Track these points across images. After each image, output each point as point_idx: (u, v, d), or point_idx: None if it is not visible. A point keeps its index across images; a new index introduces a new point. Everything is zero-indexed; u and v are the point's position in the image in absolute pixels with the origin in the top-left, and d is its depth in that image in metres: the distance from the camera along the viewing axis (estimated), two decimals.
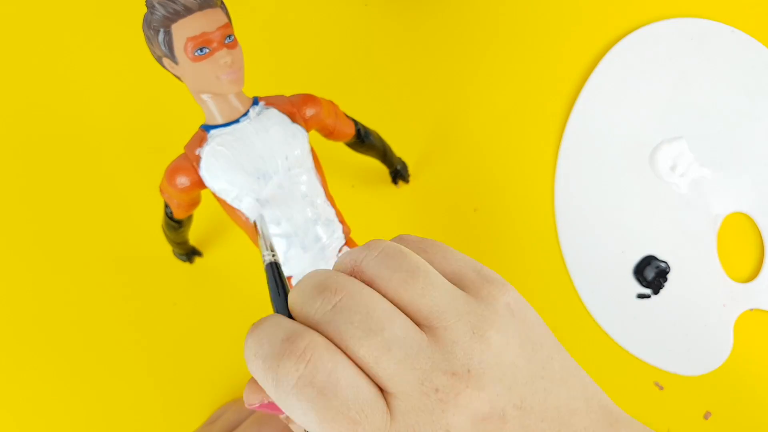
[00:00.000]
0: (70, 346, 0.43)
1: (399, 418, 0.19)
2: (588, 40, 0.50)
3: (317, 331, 0.20)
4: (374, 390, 0.20)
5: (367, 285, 0.21)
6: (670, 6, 0.51)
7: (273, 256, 0.25)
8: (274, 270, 0.24)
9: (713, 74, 0.49)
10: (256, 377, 0.20)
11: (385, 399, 0.20)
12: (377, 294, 0.21)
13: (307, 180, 0.33)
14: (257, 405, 0.22)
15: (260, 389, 0.22)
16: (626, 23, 0.51)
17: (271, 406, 0.22)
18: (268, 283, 0.24)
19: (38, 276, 0.44)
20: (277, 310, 0.23)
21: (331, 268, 0.33)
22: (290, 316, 0.22)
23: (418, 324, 0.20)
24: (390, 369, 0.19)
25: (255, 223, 0.28)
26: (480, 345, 0.20)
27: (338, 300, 0.20)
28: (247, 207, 0.31)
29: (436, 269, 0.22)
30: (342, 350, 0.20)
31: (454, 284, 0.22)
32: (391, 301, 0.21)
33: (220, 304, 0.43)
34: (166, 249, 0.42)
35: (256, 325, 0.21)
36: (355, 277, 0.21)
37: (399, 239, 0.24)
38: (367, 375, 0.20)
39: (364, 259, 0.22)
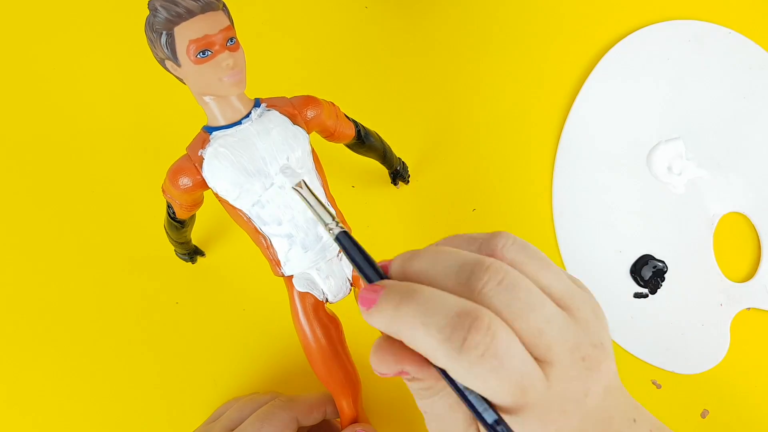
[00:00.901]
0: (72, 345, 0.43)
1: (554, 383, 0.22)
2: (586, 42, 0.51)
3: (482, 305, 0.22)
4: (535, 361, 0.22)
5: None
6: (667, 8, 0.51)
7: (338, 224, 0.25)
8: (348, 240, 0.25)
9: (710, 75, 0.50)
10: (424, 345, 0.21)
11: (541, 368, 0.22)
12: (525, 276, 0.23)
13: (308, 181, 0.33)
14: (391, 374, 0.23)
15: (399, 359, 0.23)
16: (624, 25, 0.51)
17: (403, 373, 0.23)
18: (350, 256, 0.24)
19: (40, 276, 0.44)
20: (370, 279, 0.24)
21: (330, 267, 0.34)
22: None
23: (556, 303, 0.23)
24: (550, 340, 0.22)
25: (299, 191, 0.26)
26: (602, 325, 0.24)
27: (502, 278, 0.22)
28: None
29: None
30: (508, 324, 0.22)
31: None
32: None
33: (222, 304, 0.44)
34: (168, 249, 0.43)
35: (405, 297, 0.22)
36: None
37: (501, 232, 0.26)
38: (527, 347, 0.22)
39: (504, 245, 0.24)
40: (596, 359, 0.23)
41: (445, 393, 0.24)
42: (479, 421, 0.22)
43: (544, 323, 0.22)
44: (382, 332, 0.23)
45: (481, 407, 0.22)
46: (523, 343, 0.22)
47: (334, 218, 0.26)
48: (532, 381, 0.22)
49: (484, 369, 0.21)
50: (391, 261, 0.25)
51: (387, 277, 0.24)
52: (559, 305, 0.23)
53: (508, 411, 0.22)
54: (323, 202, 0.26)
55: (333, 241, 0.33)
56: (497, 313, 0.22)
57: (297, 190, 0.27)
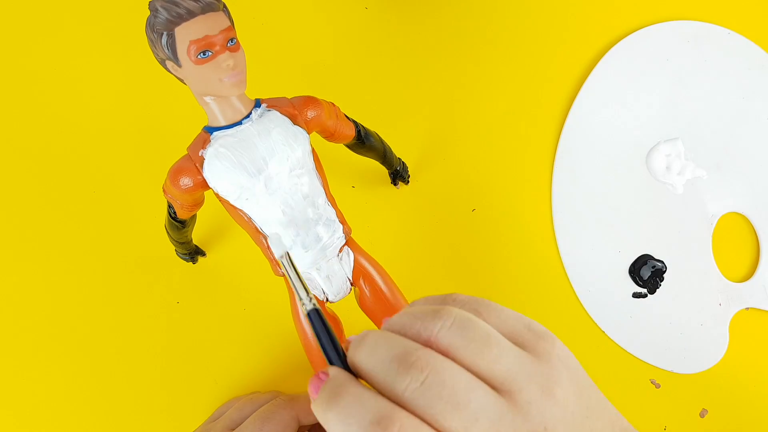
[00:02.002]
0: (73, 345, 0.43)
1: None
2: (585, 43, 0.51)
3: (403, 406, 0.21)
4: None
5: (443, 354, 0.22)
6: (667, 8, 0.51)
7: (311, 301, 0.26)
8: (317, 318, 0.25)
9: (709, 76, 0.50)
10: None
11: None
12: (457, 366, 0.22)
13: (308, 181, 0.33)
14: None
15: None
16: (623, 26, 0.51)
17: None
18: (315, 331, 0.25)
19: (41, 276, 0.44)
20: (331, 362, 0.24)
21: (331, 267, 0.34)
22: (346, 367, 0.23)
23: (493, 388, 0.22)
24: None
25: (281, 262, 0.27)
26: (549, 402, 0.22)
27: (425, 377, 0.22)
28: (273, 242, 0.29)
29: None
30: (430, 424, 0.21)
31: (513, 342, 0.24)
32: (468, 369, 0.22)
33: (223, 303, 0.44)
34: (169, 249, 0.43)
35: (332, 398, 0.22)
36: (431, 347, 0.23)
37: (451, 299, 0.25)
38: None
39: (439, 330, 0.23)
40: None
41: None
42: None
43: (471, 421, 0.21)
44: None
45: None
46: None
47: (308, 293, 0.26)
48: None
49: None
50: (346, 343, 0.25)
51: (344, 358, 0.24)
52: (499, 390, 0.22)
53: None
54: (302, 279, 0.27)
55: (333, 241, 0.34)
56: (422, 414, 0.21)
57: (281, 261, 0.27)
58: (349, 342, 0.24)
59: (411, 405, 0.21)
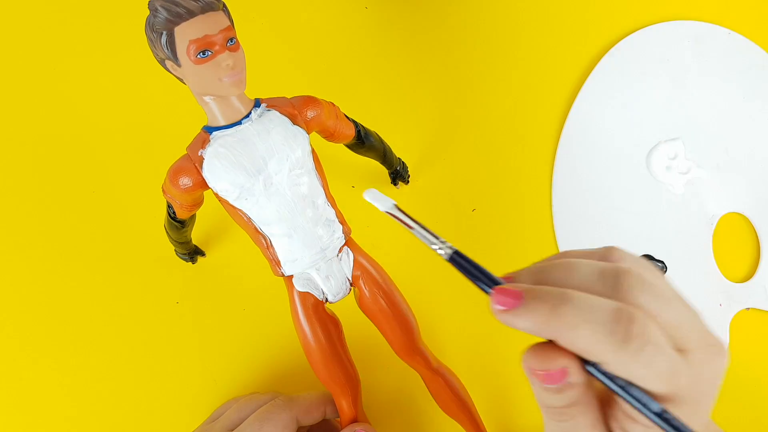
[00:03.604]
0: (72, 345, 0.43)
1: (694, 367, 0.24)
2: (586, 42, 0.51)
3: (629, 304, 0.24)
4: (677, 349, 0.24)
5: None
6: (667, 8, 0.51)
7: (448, 244, 0.26)
8: (462, 259, 0.26)
9: (710, 76, 0.50)
10: (587, 339, 0.23)
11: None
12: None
13: (308, 181, 0.33)
14: (548, 372, 0.24)
15: (555, 356, 0.24)
16: (624, 26, 0.51)
17: (554, 373, 0.24)
18: (466, 272, 0.26)
19: (40, 276, 0.44)
20: (493, 282, 0.26)
21: (330, 267, 0.34)
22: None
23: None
24: (686, 331, 0.24)
25: (395, 215, 0.26)
26: (714, 367, 0.26)
27: (643, 280, 0.24)
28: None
29: None
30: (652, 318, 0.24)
31: None
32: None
33: (222, 304, 0.44)
34: (168, 249, 0.43)
35: (566, 298, 0.24)
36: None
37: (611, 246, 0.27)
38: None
39: (621, 257, 0.26)
40: (719, 345, 0.25)
41: (583, 413, 0.25)
42: (642, 413, 0.24)
43: (681, 317, 0.24)
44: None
45: (644, 398, 0.24)
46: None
47: (438, 238, 0.26)
48: (680, 366, 0.24)
49: (644, 355, 0.23)
50: (514, 274, 0.27)
51: (502, 283, 0.25)
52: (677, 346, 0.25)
53: (662, 399, 0.24)
54: (423, 226, 0.26)
55: (333, 241, 0.34)
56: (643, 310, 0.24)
57: (393, 214, 0.26)
58: (514, 274, 0.26)
59: (634, 302, 0.24)
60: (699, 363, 0.25)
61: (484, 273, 0.26)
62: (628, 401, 0.24)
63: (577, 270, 0.25)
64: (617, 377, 0.24)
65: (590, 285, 0.25)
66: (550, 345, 0.24)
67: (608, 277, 0.25)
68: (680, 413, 0.24)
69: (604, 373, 0.24)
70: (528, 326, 0.24)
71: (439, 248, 0.26)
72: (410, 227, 0.26)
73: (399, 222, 0.26)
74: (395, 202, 0.26)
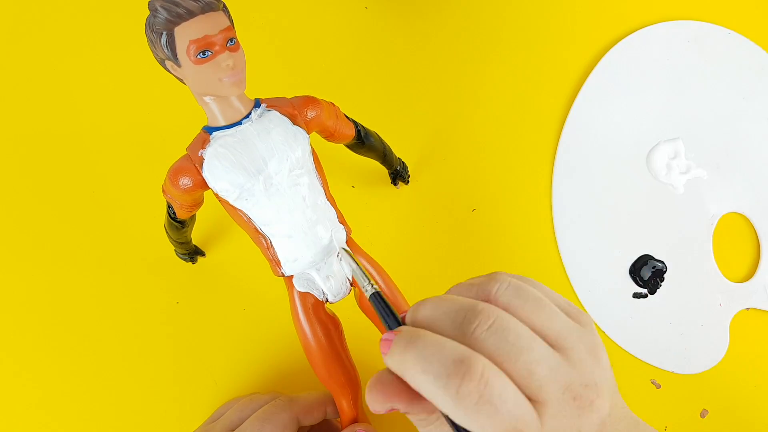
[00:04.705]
0: (72, 345, 0.43)
1: (547, 422, 0.23)
2: (585, 43, 0.51)
3: (474, 349, 0.23)
4: (528, 402, 0.23)
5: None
6: (667, 8, 0.51)
7: (372, 285, 0.29)
8: (380, 299, 0.28)
9: (710, 76, 0.50)
10: (425, 390, 0.23)
11: (535, 408, 0.23)
12: (517, 319, 0.24)
13: (308, 181, 0.33)
14: (383, 411, 0.25)
15: (388, 398, 0.25)
16: (623, 26, 0.51)
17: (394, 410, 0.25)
18: (378, 310, 0.28)
19: (40, 276, 0.44)
20: (390, 327, 0.27)
21: (330, 267, 0.34)
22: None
23: (548, 344, 0.24)
24: (540, 380, 0.23)
25: (342, 255, 0.31)
26: (597, 363, 0.25)
27: (492, 322, 0.24)
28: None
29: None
30: (498, 366, 0.23)
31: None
32: (525, 324, 0.24)
33: (222, 304, 0.44)
34: (168, 249, 0.43)
35: (411, 342, 0.24)
36: (491, 304, 0.25)
37: (496, 274, 0.27)
38: (519, 388, 0.23)
39: (497, 290, 0.25)
40: (588, 399, 0.24)
41: (441, 422, 0.25)
42: None
43: (534, 364, 0.23)
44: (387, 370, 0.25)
45: None
46: (516, 384, 0.23)
47: (369, 280, 0.30)
48: (525, 423, 0.23)
49: (479, 415, 0.22)
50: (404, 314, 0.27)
51: (404, 325, 0.26)
52: (553, 346, 0.24)
53: None
54: (362, 267, 0.31)
55: (333, 242, 0.34)
56: (489, 356, 0.23)
57: (346, 251, 0.32)
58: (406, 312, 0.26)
59: (480, 346, 0.23)
60: (554, 418, 0.23)
61: (391, 315, 0.27)
62: None
63: (441, 306, 0.25)
64: (459, 426, 0.23)
65: (445, 325, 0.24)
66: (392, 380, 0.24)
67: (459, 317, 0.24)
68: None
69: (446, 417, 0.23)
70: (392, 368, 0.24)
71: (366, 286, 0.29)
72: (352, 266, 0.31)
73: (348, 260, 0.32)
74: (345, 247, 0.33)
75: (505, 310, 0.24)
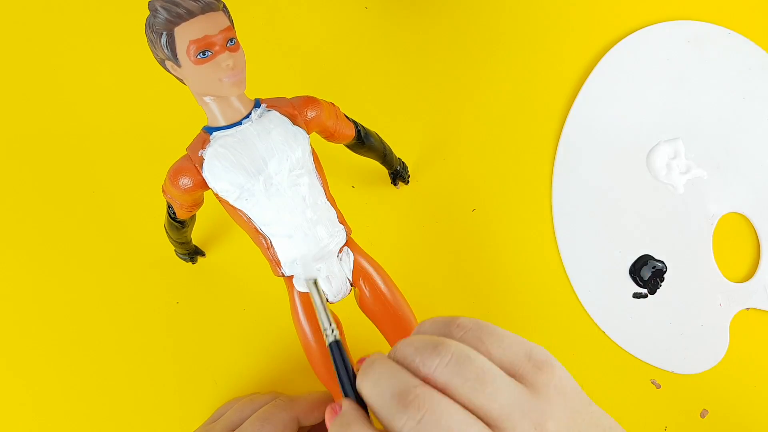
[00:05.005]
0: (72, 345, 0.43)
1: None
2: (585, 43, 0.51)
3: None
4: None
5: (441, 390, 0.24)
6: (667, 8, 0.51)
7: (333, 332, 0.28)
8: (337, 350, 0.28)
9: (710, 76, 0.50)
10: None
11: None
12: (453, 404, 0.24)
13: (308, 181, 0.33)
14: None
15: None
16: (624, 26, 0.51)
17: None
18: (334, 361, 0.28)
19: (40, 276, 0.44)
20: (346, 393, 0.27)
21: (330, 268, 0.34)
22: (358, 398, 0.26)
23: (488, 424, 0.24)
24: None
25: (309, 289, 0.30)
26: None
27: (422, 416, 0.23)
28: (297, 279, 0.33)
29: (495, 362, 0.25)
30: None
31: (512, 374, 0.25)
32: (464, 405, 0.24)
33: (222, 304, 0.44)
34: (168, 249, 0.43)
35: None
36: (429, 383, 0.24)
37: (455, 324, 0.27)
38: None
39: (437, 366, 0.24)
40: (543, 424, 0.24)
41: None
42: None
43: (489, 397, 0.23)
44: None
45: None
46: None
47: (331, 324, 0.29)
48: None
49: None
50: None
51: (356, 391, 0.26)
52: (491, 425, 0.24)
53: None
54: (326, 308, 0.29)
55: (333, 242, 0.34)
56: None
57: (312, 287, 0.30)
58: (359, 366, 0.26)
59: None
60: None
61: (345, 372, 0.27)
62: None
63: (379, 385, 0.25)
64: None
65: (379, 410, 0.25)
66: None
67: (392, 406, 0.24)
68: None
69: None
70: None
71: (327, 330, 0.28)
72: (316, 302, 0.29)
73: (315, 296, 0.29)
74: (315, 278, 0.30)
75: (444, 389, 0.24)
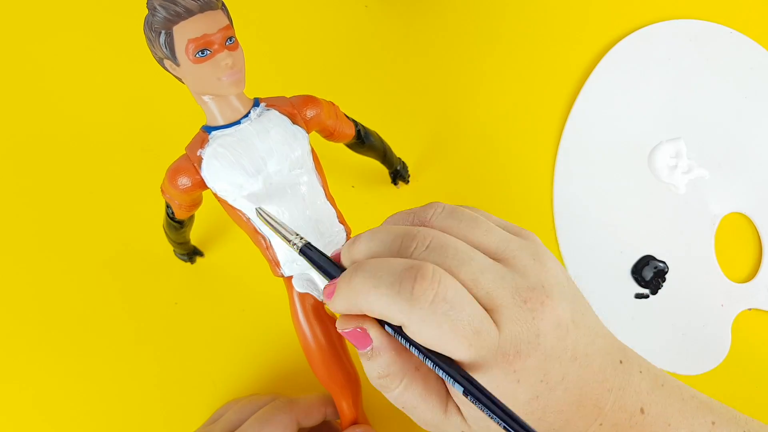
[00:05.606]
0: (71, 345, 0.43)
1: (504, 327, 0.23)
2: (587, 42, 0.51)
3: None
4: (482, 308, 0.23)
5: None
6: (668, 8, 0.51)
7: (300, 238, 0.27)
8: (313, 249, 0.27)
9: (711, 75, 0.49)
10: (379, 307, 0.23)
11: (490, 316, 0.23)
12: (454, 237, 0.25)
13: (308, 181, 0.33)
14: (350, 330, 0.25)
15: (355, 319, 0.25)
16: (625, 25, 0.51)
17: (359, 335, 0.25)
18: (313, 262, 0.26)
19: (39, 276, 0.44)
20: (332, 276, 0.26)
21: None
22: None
23: (489, 256, 0.24)
24: (487, 287, 0.23)
25: (260, 214, 0.29)
26: (542, 268, 0.25)
27: (430, 242, 0.24)
28: (244, 206, 0.32)
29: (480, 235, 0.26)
30: None
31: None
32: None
33: (221, 304, 0.44)
34: (167, 249, 0.42)
35: (357, 268, 0.24)
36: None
37: (432, 203, 0.27)
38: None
39: (432, 215, 0.26)
40: (537, 300, 0.24)
41: (411, 383, 0.25)
42: (447, 381, 0.23)
43: (477, 274, 0.23)
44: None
45: (447, 367, 0.23)
46: None
47: (294, 233, 0.28)
48: (483, 324, 0.23)
49: (436, 314, 0.22)
50: (336, 253, 0.27)
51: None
52: (494, 258, 0.25)
53: (469, 367, 0.23)
54: (281, 223, 0.28)
55: (333, 242, 0.33)
56: None
57: (260, 215, 0.29)
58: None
59: None
60: (509, 322, 0.23)
61: (330, 263, 0.27)
62: (433, 368, 0.23)
63: (376, 238, 0.25)
64: (418, 343, 0.23)
65: (383, 253, 0.24)
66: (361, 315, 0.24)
67: (396, 243, 0.24)
68: (490, 379, 0.23)
69: (406, 338, 0.23)
70: (341, 308, 0.25)
71: (293, 239, 0.27)
72: (273, 224, 0.28)
73: (265, 221, 0.29)
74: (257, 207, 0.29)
75: (441, 231, 0.25)
